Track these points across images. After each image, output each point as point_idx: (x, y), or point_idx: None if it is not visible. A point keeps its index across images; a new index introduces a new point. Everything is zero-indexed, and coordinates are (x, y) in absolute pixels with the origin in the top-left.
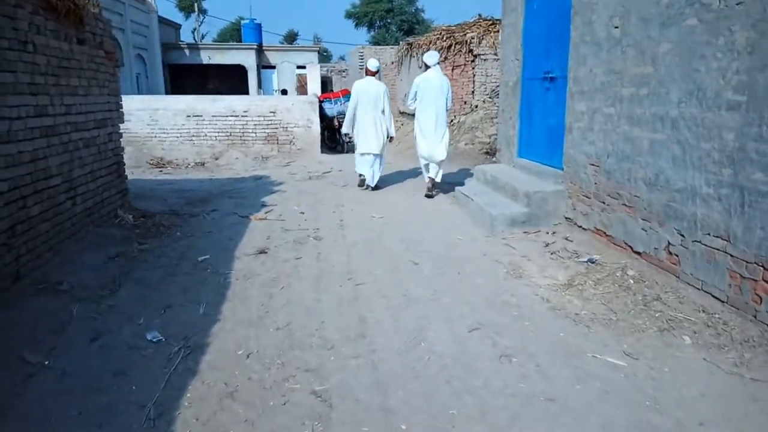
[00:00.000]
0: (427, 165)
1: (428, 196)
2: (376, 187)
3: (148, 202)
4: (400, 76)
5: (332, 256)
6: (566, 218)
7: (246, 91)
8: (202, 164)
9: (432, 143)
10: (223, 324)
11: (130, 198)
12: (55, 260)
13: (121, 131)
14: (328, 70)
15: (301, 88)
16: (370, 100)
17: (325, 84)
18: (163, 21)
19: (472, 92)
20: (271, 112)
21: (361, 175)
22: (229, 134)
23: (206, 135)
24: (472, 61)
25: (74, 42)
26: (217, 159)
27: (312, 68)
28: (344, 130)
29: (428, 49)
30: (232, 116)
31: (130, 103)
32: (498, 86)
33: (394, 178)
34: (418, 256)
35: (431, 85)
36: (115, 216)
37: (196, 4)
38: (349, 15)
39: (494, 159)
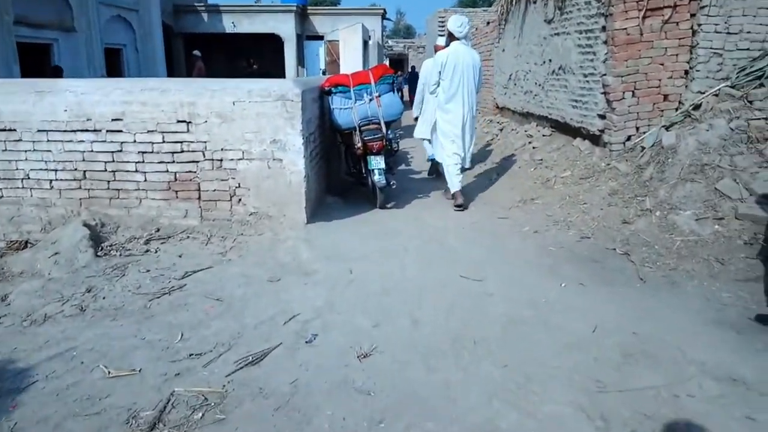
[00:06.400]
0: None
1: (460, 209)
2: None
3: None
4: (502, 42)
5: None
6: None
7: (282, 71)
8: (25, 244)
9: (462, 144)
10: None
11: None
12: None
13: None
14: (405, 46)
15: (332, 65)
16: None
17: (400, 63)
18: None
19: (686, 72)
20: (180, 121)
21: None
22: (81, 175)
23: (29, 177)
24: None
25: None
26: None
27: (349, 34)
28: (414, 113)
29: None
30: (86, 131)
31: None
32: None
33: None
34: None
35: (461, 64)
36: None
37: None
38: None
39: None
